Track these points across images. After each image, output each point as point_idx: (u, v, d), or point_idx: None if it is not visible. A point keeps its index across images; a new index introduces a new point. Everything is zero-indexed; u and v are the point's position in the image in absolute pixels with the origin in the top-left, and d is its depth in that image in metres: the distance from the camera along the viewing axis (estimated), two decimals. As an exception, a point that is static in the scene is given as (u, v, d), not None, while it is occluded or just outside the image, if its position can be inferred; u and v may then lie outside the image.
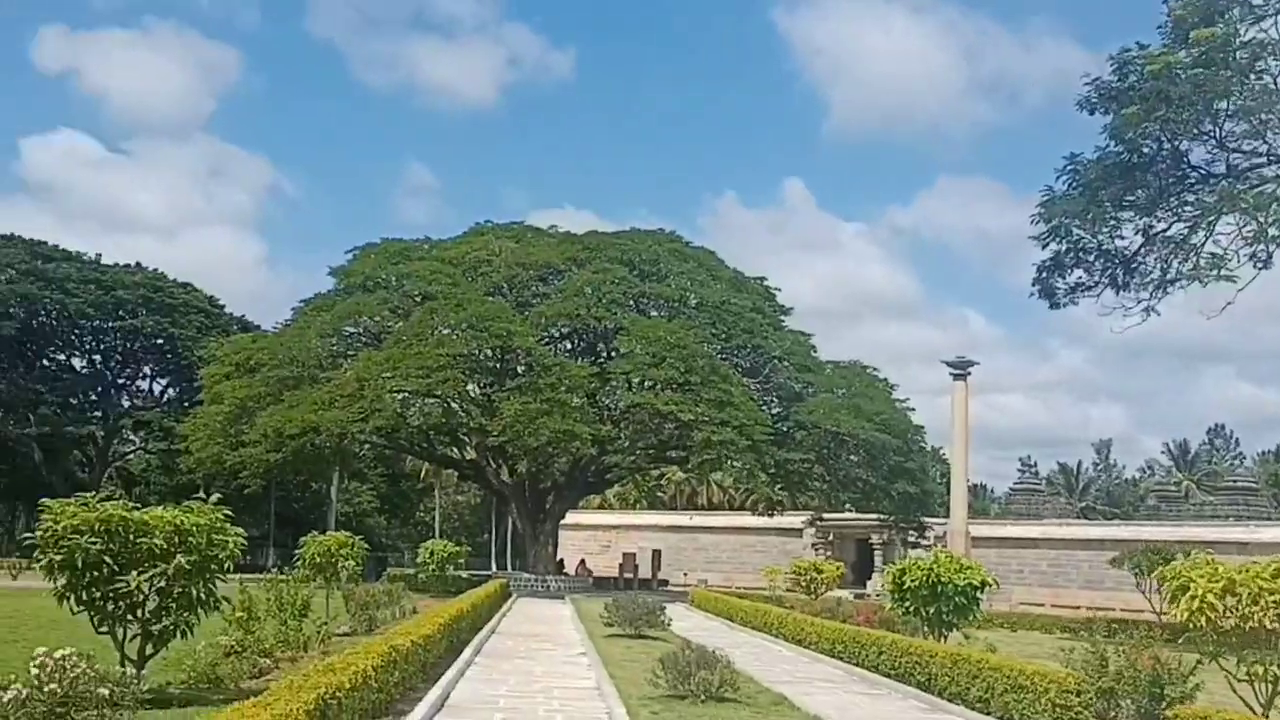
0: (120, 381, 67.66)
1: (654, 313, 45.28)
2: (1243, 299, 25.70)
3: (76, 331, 64.78)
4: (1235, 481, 60.87)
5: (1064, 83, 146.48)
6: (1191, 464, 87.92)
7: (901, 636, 17.39)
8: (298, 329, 45.08)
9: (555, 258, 45.27)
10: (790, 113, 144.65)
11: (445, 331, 41.23)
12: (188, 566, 10.31)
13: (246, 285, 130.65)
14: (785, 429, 43.99)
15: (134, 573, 10.20)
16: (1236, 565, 10.99)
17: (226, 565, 10.76)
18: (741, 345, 45.26)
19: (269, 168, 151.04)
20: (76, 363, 67.00)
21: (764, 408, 44.29)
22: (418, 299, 43.87)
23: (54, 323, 63.46)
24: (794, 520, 57.60)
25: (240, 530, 11.00)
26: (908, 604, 19.39)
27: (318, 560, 20.60)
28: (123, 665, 10.28)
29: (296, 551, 21.85)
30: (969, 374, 42.97)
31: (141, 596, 10.39)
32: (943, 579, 18.90)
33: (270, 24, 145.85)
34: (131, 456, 72.27)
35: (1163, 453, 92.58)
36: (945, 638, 19.23)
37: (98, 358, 66.88)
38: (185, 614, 10.60)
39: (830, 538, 57.88)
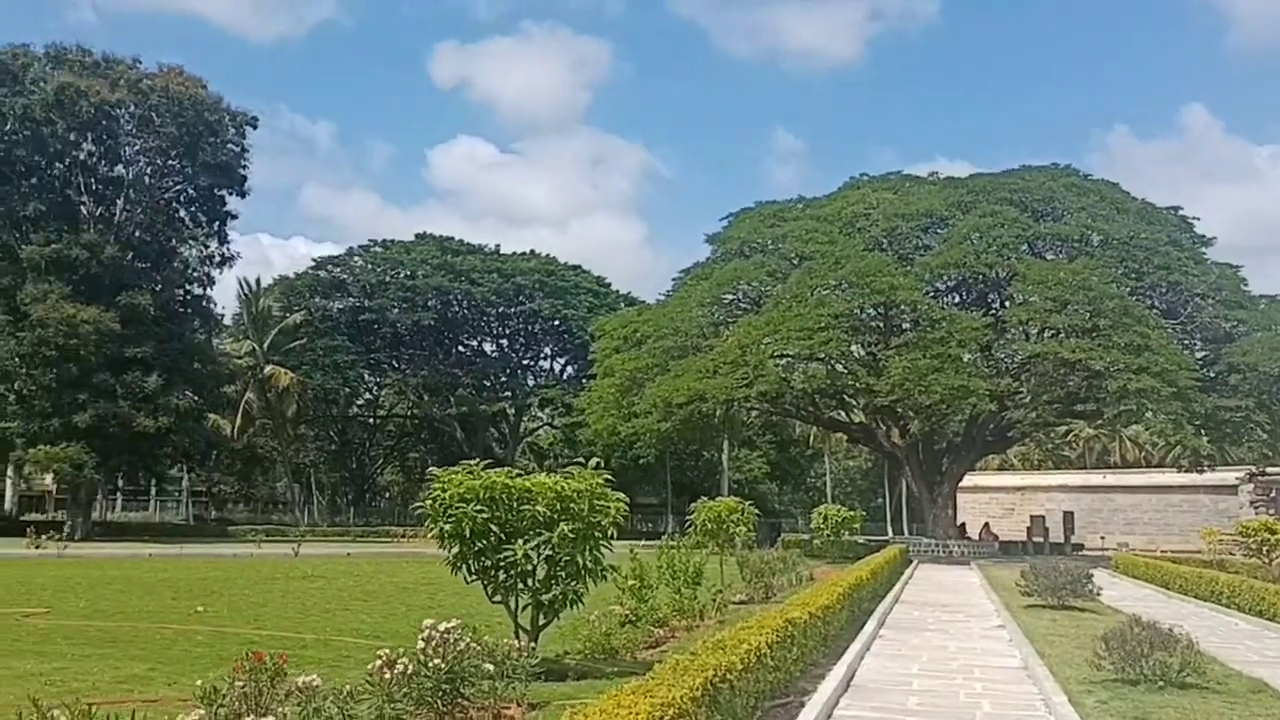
0: (525, 362, 72.77)
1: (1051, 255, 41.72)
2: None
3: (484, 318, 70.32)
4: None
5: None
6: None
7: None
8: (679, 299, 45.69)
9: (937, 205, 42.78)
10: (1185, 32, 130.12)
11: (824, 291, 40.12)
12: (571, 534, 9.85)
13: (631, 265, 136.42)
14: (1214, 373, 39.15)
15: (520, 541, 9.88)
16: None
17: (610, 532, 10.23)
18: (1157, 283, 40.67)
19: (644, 152, 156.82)
20: (486, 347, 72.74)
21: (1187, 351, 39.68)
22: (795, 260, 42.98)
23: (465, 311, 69.25)
24: (1227, 476, 51.78)
25: (622, 496, 10.43)
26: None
27: (709, 526, 20.16)
28: (517, 636, 10.02)
29: (688, 518, 21.60)
30: None
31: (530, 565, 10.07)
32: None
33: (634, 10, 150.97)
34: (540, 432, 77.37)
35: None
36: None
37: (504, 341, 72.33)
38: (573, 583, 10.17)
39: (1273, 494, 51.54)
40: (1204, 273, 41.36)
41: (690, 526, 21.08)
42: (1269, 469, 51.38)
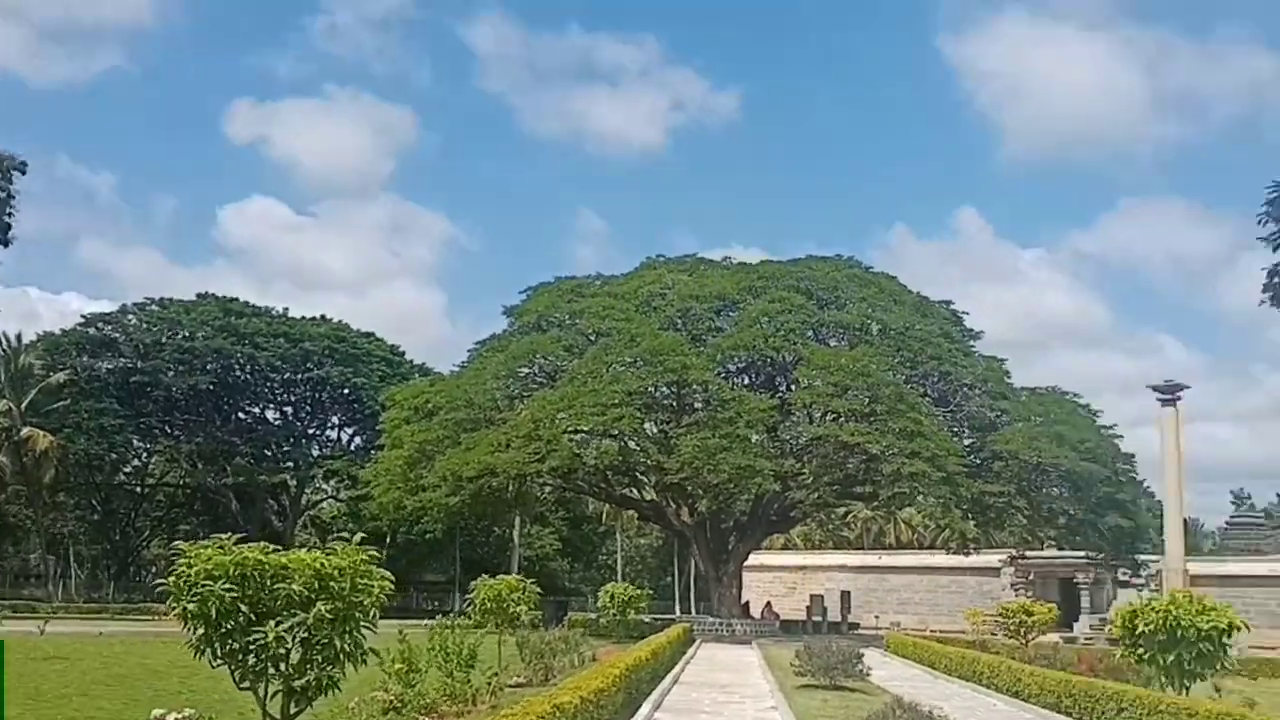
0: (310, 431, 69.78)
1: (834, 341, 43.39)
2: None
3: (268, 384, 67.19)
4: None
5: (1256, 93, 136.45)
6: None
7: (1148, 690, 15.00)
8: (474, 371, 45.09)
9: (729, 288, 43.94)
10: (961, 141, 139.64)
11: (619, 368, 40.41)
12: (329, 615, 9.21)
13: (430, 335, 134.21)
14: (980, 460, 41.31)
15: (272, 622, 9.17)
16: None
17: (373, 613, 9.64)
18: (929, 372, 42.81)
19: (447, 222, 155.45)
20: (269, 414, 69.45)
21: (956, 438, 41.71)
22: (591, 336, 43.23)
23: (247, 376, 66.00)
24: (991, 559, 54.46)
25: (387, 574, 9.86)
26: (1141, 650, 16.99)
27: (489, 605, 19.57)
28: (264, 724, 9.26)
29: (466, 596, 20.94)
30: (1179, 399, 39.50)
31: (283, 649, 9.34)
32: (1183, 622, 16.46)
33: (442, 83, 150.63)
34: (324, 505, 74.33)
35: None
36: (1187, 689, 16.71)
37: (288, 409, 69.21)
38: (329, 667, 9.50)
39: (1031, 577, 54.51)
40: (972, 364, 43.89)
41: (469, 606, 20.43)
42: (1028, 552, 54.41)
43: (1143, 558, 44.89)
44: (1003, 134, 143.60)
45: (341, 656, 9.58)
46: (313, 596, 9.30)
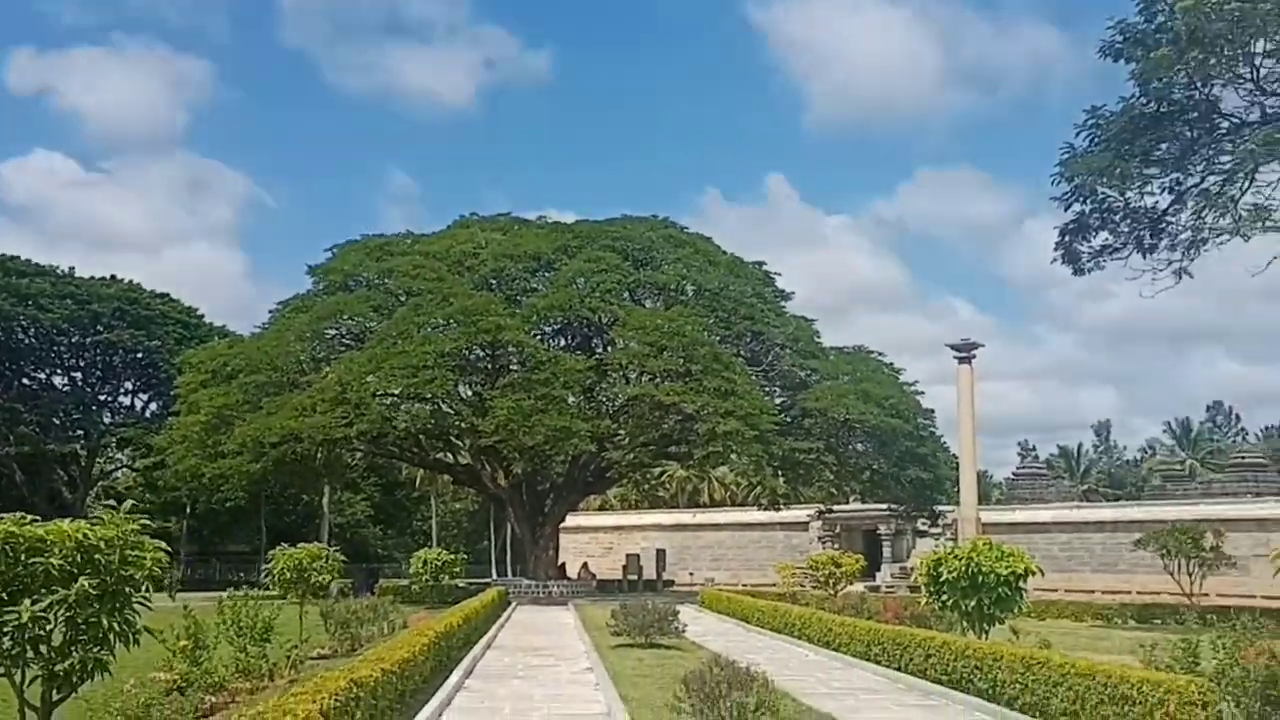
0: (101, 397, 65.47)
1: (650, 302, 43.41)
2: (1231, 275, 23.90)
3: (54, 348, 62.58)
4: (1243, 458, 59.28)
5: (1042, 67, 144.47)
6: (1195, 443, 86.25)
7: (954, 636, 15.40)
8: (276, 332, 43.04)
9: (545, 248, 43.28)
10: (769, 108, 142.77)
11: (431, 329, 39.31)
12: (94, 591, 8.31)
13: (231, 297, 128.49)
14: (791, 418, 42.13)
15: (27, 601, 8.21)
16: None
17: (145, 587, 8.77)
18: (743, 333, 43.37)
19: (248, 180, 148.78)
20: (56, 380, 64.78)
21: (768, 396, 42.43)
22: (401, 296, 41.85)
23: (31, 340, 61.29)
24: (799, 514, 56.02)
25: (161, 544, 9.00)
26: (945, 597, 17.53)
27: (289, 575, 18.58)
28: (22, 714, 8.31)
29: (264, 567, 19.87)
30: (974, 356, 41.25)
31: (42, 630, 8.38)
32: (983, 568, 17.06)
33: (241, 35, 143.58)
34: (118, 475, 70.15)
35: (1164, 432, 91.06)
36: (987, 633, 17.38)
37: (77, 374, 64.67)
38: (95, 649, 8.58)
39: (837, 530, 56.44)
40: (784, 324, 44.70)
41: (267, 576, 19.38)
42: (835, 507, 56.26)
43: (940, 508, 46.93)
44: (810, 101, 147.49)
45: (110, 636, 8.69)
46: (75, 571, 8.38)
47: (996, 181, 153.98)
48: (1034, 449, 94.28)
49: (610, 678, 13.85)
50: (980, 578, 17.02)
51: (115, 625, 8.60)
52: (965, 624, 17.75)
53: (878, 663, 16.29)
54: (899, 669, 15.35)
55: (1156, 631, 28.68)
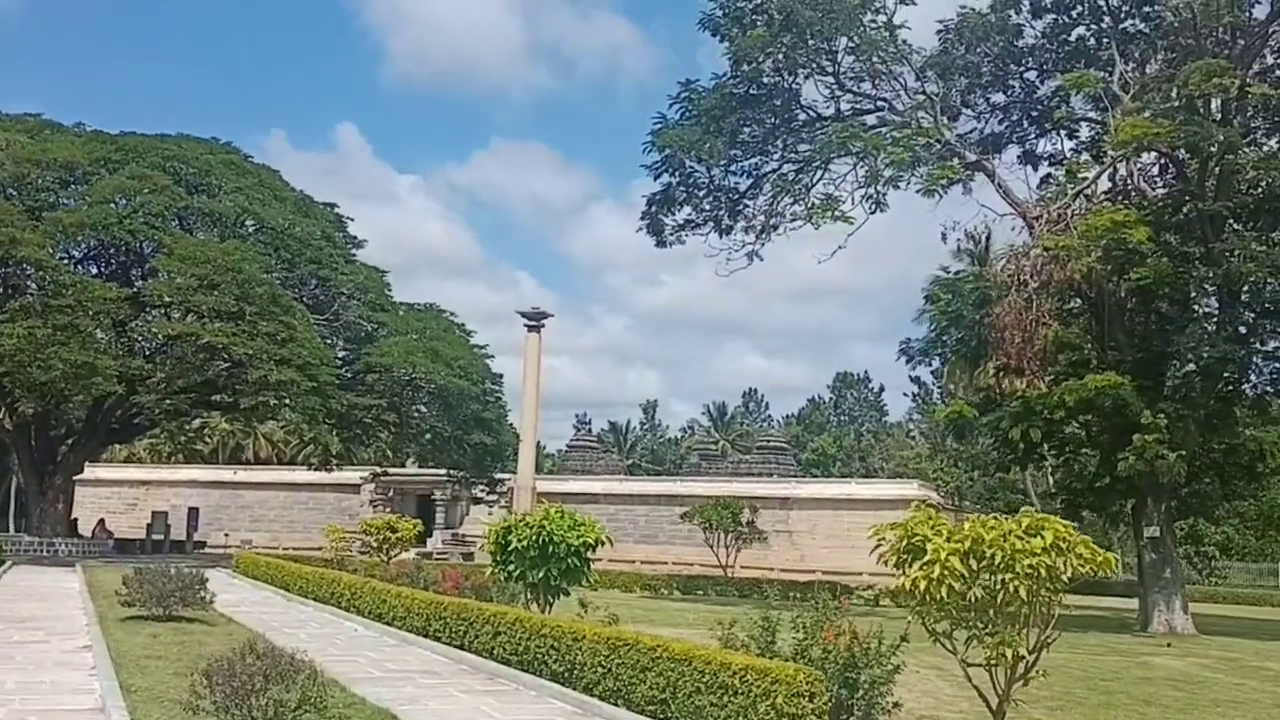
0: None
1: (203, 232, 39.06)
2: (759, 276, 25.44)
3: None
4: (768, 441, 65.20)
5: (615, 55, 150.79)
6: (728, 425, 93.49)
7: (528, 613, 14.18)
8: None
9: (80, 157, 37.30)
10: (347, 53, 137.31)
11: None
12: None
13: None
14: (353, 373, 39.75)
15: None
16: (981, 522, 8.62)
17: None
18: (307, 277, 40.33)
19: None
20: None
21: (331, 347, 39.81)
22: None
23: None
24: (352, 476, 53.97)
25: None
26: (511, 567, 16.41)
27: None
28: None
29: None
30: (543, 325, 41.30)
31: None
32: (555, 538, 16.13)
33: None
34: None
35: (703, 414, 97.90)
36: (551, 605, 16.47)
37: None
38: None
39: (391, 493, 55.10)
40: (354, 273, 42.02)
41: None
42: (391, 470, 54.56)
43: (499, 475, 46.57)
44: (389, 56, 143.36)
45: None
46: None
47: (566, 161, 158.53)
48: (589, 421, 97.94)
49: (112, 660, 11.19)
50: (551, 548, 16.11)
51: None
52: (529, 595, 16.79)
53: (438, 639, 14.75)
54: (461, 647, 13.90)
55: (702, 602, 29.87)
